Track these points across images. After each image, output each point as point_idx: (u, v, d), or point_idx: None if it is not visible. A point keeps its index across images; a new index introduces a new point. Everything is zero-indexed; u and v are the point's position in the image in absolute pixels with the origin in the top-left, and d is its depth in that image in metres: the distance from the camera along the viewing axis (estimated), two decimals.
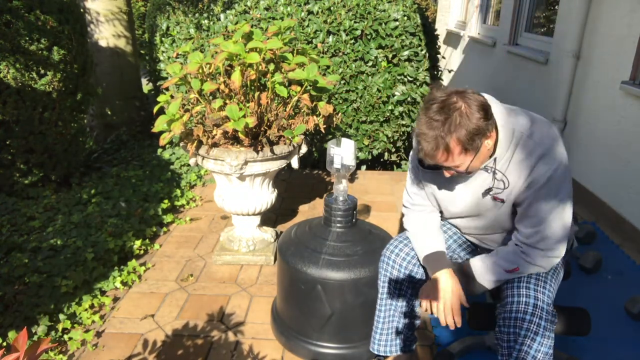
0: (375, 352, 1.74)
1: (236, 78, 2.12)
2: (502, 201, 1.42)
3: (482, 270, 1.47)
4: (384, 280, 1.66)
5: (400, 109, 3.71)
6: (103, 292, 2.34)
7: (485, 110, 1.28)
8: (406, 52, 3.56)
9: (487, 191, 1.45)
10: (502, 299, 1.45)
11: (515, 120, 1.37)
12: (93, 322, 2.12)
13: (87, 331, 2.06)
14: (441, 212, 1.64)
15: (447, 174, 1.40)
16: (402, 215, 1.72)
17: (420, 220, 1.62)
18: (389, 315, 1.69)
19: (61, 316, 2.08)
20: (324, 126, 2.33)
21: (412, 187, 1.64)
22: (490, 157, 1.37)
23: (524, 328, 1.36)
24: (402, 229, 2.08)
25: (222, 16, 3.55)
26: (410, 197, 1.66)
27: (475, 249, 1.73)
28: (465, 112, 1.26)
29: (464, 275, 1.51)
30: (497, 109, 1.34)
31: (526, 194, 1.37)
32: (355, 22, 3.50)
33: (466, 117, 1.25)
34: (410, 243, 1.64)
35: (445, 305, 1.46)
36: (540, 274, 1.45)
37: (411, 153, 1.61)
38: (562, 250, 1.40)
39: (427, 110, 1.29)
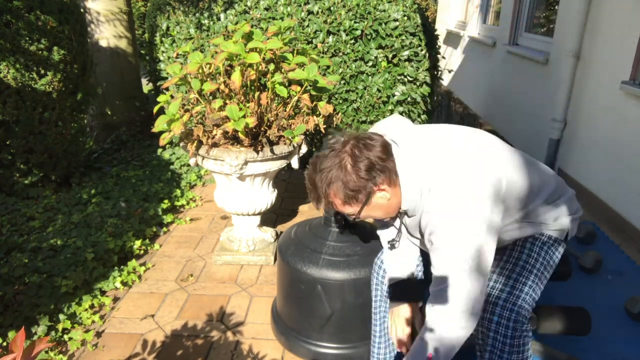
0: None
1: (236, 78, 2.12)
2: None
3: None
4: (377, 294, 1.63)
5: (400, 109, 3.71)
6: (103, 292, 2.34)
7: (369, 168, 1.23)
8: (406, 52, 3.55)
9: (391, 241, 1.45)
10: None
11: (427, 177, 1.25)
12: (93, 322, 2.12)
13: (87, 331, 2.06)
14: None
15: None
16: None
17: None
18: (384, 327, 1.66)
19: (61, 316, 2.08)
20: (324, 126, 2.33)
21: None
22: (402, 208, 1.31)
23: (489, 344, 1.34)
24: None
25: (222, 16, 3.55)
26: None
27: None
28: (345, 166, 1.24)
29: None
30: (408, 165, 1.26)
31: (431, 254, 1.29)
32: (355, 22, 3.50)
33: (344, 172, 1.24)
34: None
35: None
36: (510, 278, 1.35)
37: None
38: (466, 323, 1.23)
39: (316, 159, 1.31)
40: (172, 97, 2.29)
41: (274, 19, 3.49)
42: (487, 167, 1.26)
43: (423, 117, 3.88)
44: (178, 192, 3.39)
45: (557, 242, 1.43)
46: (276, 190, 2.60)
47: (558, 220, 1.41)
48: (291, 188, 3.64)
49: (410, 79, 3.65)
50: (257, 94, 2.28)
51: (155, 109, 2.33)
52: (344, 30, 3.50)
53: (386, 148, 1.27)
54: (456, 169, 1.24)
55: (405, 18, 3.55)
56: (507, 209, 1.29)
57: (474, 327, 1.27)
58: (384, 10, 3.55)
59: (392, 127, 1.36)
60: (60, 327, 2.04)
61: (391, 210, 1.33)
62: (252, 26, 3.14)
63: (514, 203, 1.31)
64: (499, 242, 1.31)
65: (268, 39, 2.24)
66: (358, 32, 3.50)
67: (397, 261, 1.55)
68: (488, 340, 1.39)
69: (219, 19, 3.58)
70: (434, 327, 1.27)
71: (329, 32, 3.50)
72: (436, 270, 1.26)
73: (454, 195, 1.21)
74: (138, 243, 2.67)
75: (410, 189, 1.26)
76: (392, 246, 1.50)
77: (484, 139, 1.38)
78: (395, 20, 3.53)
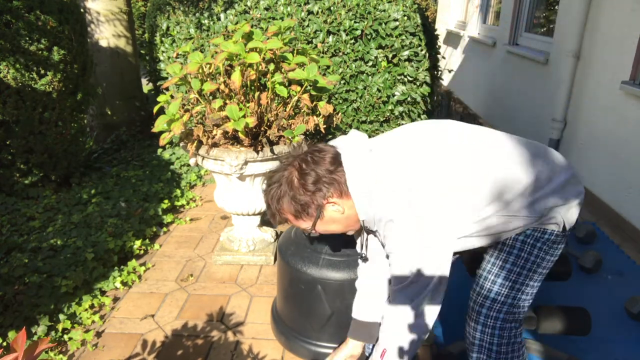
0: None
1: (236, 78, 2.12)
2: None
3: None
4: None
5: (400, 109, 3.71)
6: (103, 292, 2.34)
7: (316, 181, 1.24)
8: (406, 52, 3.55)
9: (359, 254, 1.46)
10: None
11: (374, 184, 1.24)
12: (93, 322, 2.12)
13: (87, 331, 2.06)
14: None
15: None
16: None
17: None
18: None
19: (61, 316, 2.08)
20: (324, 126, 2.33)
21: None
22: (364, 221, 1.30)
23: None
24: None
25: (222, 16, 3.55)
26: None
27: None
28: (292, 181, 1.25)
29: None
30: (356, 174, 1.24)
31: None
32: (355, 22, 3.50)
33: (291, 187, 1.25)
34: None
35: None
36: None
37: None
38: (416, 321, 1.24)
39: (268, 175, 1.34)
40: (172, 97, 2.29)
41: (274, 18, 3.49)
42: (442, 166, 1.22)
43: (423, 117, 3.88)
44: (178, 192, 3.39)
45: (554, 235, 1.31)
46: None
47: (557, 212, 1.29)
48: None
49: (410, 78, 3.65)
50: (257, 94, 2.28)
51: (155, 109, 2.33)
52: (344, 30, 3.50)
53: (336, 159, 1.26)
54: (401, 171, 1.21)
55: (405, 18, 3.55)
56: (504, 203, 1.24)
57: (427, 328, 1.26)
58: (384, 10, 3.55)
59: (348, 139, 1.36)
60: (60, 327, 2.04)
61: (351, 223, 1.32)
62: (252, 26, 3.14)
63: (514, 197, 1.24)
64: (489, 236, 1.28)
65: (268, 39, 2.23)
66: (358, 32, 3.50)
67: (366, 297, 1.53)
68: (474, 347, 1.39)
69: (219, 19, 3.58)
70: (386, 326, 1.28)
71: (329, 32, 3.51)
72: (392, 271, 1.25)
73: (399, 196, 1.19)
74: (138, 243, 2.67)
75: (359, 198, 1.24)
76: (362, 259, 1.49)
77: (469, 139, 1.31)
78: (395, 20, 3.53)
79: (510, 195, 1.24)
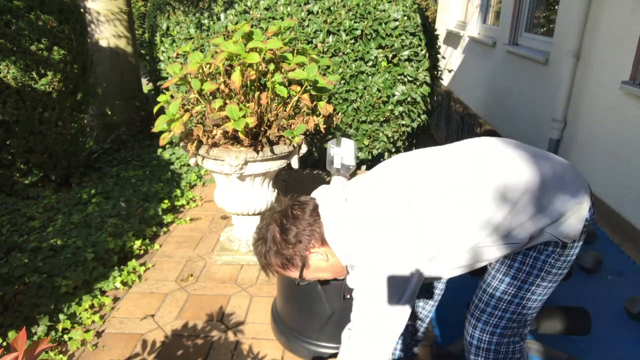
0: None
1: (236, 78, 2.12)
2: None
3: None
4: None
5: (400, 108, 3.71)
6: (103, 292, 2.34)
7: (297, 235, 1.31)
8: (406, 52, 3.55)
9: (344, 296, 1.51)
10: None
11: (349, 231, 1.29)
12: (93, 322, 2.12)
13: (87, 331, 2.06)
14: None
15: None
16: None
17: None
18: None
19: (61, 316, 2.08)
20: (324, 126, 2.33)
21: None
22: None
23: None
24: None
25: (222, 16, 3.55)
26: None
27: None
28: (275, 237, 1.33)
29: None
30: (332, 223, 1.31)
31: None
32: (355, 22, 3.50)
33: (274, 243, 1.33)
34: None
35: None
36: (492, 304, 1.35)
37: None
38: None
39: (256, 232, 1.40)
40: (172, 97, 2.29)
41: (274, 18, 3.49)
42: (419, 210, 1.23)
43: (423, 117, 3.88)
44: (178, 192, 3.39)
45: (559, 247, 1.28)
46: (276, 190, 2.60)
47: (565, 217, 1.24)
48: (291, 188, 3.64)
49: (410, 78, 3.65)
50: (257, 94, 2.28)
51: (155, 109, 2.33)
52: (344, 30, 3.50)
53: (315, 211, 1.34)
54: (372, 216, 1.26)
55: (405, 18, 3.55)
56: (511, 205, 1.21)
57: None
58: (384, 10, 3.55)
59: (326, 189, 1.43)
60: (60, 327, 2.04)
61: (338, 270, 1.38)
62: (252, 26, 3.14)
63: (520, 199, 1.21)
64: (500, 246, 1.25)
65: (268, 39, 2.23)
66: (358, 32, 3.50)
67: None
68: (471, 350, 1.41)
69: (219, 19, 3.58)
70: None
71: (329, 32, 3.51)
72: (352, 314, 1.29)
73: (370, 242, 1.23)
74: (138, 243, 2.67)
75: (337, 246, 1.31)
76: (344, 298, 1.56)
77: (460, 160, 1.31)
78: (395, 20, 3.53)
79: (515, 197, 1.21)
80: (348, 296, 1.51)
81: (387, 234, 1.22)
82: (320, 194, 1.42)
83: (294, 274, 1.37)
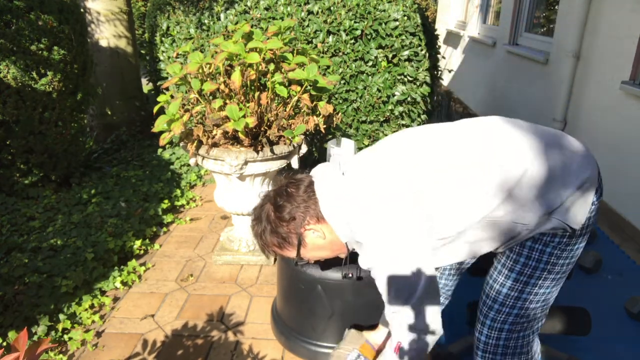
0: None
1: (236, 78, 2.12)
2: None
3: None
4: None
5: (400, 109, 3.71)
6: (103, 292, 2.34)
7: (291, 211, 1.31)
8: (406, 52, 3.55)
9: (345, 275, 1.54)
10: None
11: (348, 206, 1.27)
12: (93, 322, 2.12)
13: (87, 331, 2.06)
14: None
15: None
16: None
17: None
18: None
19: (61, 316, 2.08)
20: (324, 126, 2.33)
21: None
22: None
23: None
24: None
25: (222, 16, 3.55)
26: None
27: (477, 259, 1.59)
28: (270, 216, 1.33)
29: None
30: (328, 199, 1.29)
31: None
32: (355, 22, 3.50)
33: (269, 222, 1.33)
34: None
35: None
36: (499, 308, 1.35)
37: None
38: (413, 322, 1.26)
39: (253, 213, 1.42)
40: (172, 97, 2.29)
41: (274, 18, 3.49)
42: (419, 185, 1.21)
43: (423, 116, 3.88)
44: (178, 192, 3.39)
45: (566, 237, 1.25)
46: None
47: (569, 208, 1.21)
48: None
49: (410, 78, 3.65)
50: (257, 94, 2.28)
51: (155, 109, 2.33)
52: (344, 30, 3.50)
53: (309, 187, 1.33)
54: (374, 194, 1.24)
55: (405, 18, 3.54)
56: (520, 204, 1.18)
57: (433, 326, 1.26)
58: (384, 10, 3.54)
59: (323, 166, 1.42)
60: (60, 327, 2.04)
61: (337, 248, 1.37)
62: (252, 26, 3.14)
63: (523, 188, 1.18)
64: (498, 237, 1.25)
65: (268, 39, 2.23)
66: (358, 32, 3.50)
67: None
68: (479, 348, 1.40)
69: (219, 19, 3.58)
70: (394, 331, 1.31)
71: (329, 32, 3.50)
72: (378, 287, 1.30)
73: (372, 213, 1.22)
74: (138, 243, 2.67)
75: (334, 221, 1.29)
76: (346, 278, 1.58)
77: (467, 145, 1.27)
78: (395, 20, 3.53)
79: (518, 187, 1.19)
80: (350, 275, 1.55)
81: (387, 207, 1.20)
82: (317, 170, 1.41)
83: (292, 253, 1.37)
